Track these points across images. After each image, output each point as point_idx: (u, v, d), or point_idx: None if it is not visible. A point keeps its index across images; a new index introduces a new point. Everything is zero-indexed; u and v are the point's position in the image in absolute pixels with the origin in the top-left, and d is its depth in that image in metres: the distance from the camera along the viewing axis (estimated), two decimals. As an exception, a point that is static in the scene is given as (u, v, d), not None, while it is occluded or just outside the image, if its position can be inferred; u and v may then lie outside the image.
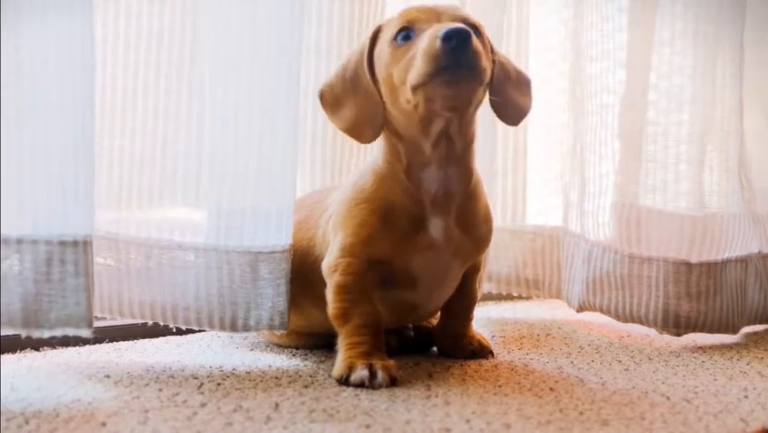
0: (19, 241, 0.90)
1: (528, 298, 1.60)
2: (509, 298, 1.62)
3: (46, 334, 0.91)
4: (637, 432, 0.82)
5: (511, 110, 1.06)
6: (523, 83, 1.09)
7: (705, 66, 1.35)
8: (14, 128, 0.89)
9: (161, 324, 1.08)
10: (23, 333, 0.90)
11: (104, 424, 0.81)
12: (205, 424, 0.81)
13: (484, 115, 1.28)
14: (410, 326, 1.19)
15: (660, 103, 1.35)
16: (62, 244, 0.91)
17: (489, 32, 1.06)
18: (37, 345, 1.10)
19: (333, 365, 1.01)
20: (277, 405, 0.88)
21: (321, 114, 1.12)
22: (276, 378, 1.00)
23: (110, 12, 1.06)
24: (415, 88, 0.95)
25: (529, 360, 1.13)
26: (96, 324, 1.00)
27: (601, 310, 1.34)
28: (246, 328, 1.07)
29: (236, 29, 1.05)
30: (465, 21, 0.99)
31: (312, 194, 1.20)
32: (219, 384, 0.96)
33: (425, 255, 1.03)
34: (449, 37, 0.92)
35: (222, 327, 1.06)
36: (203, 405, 0.88)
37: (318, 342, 1.15)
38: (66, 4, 0.91)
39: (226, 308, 1.06)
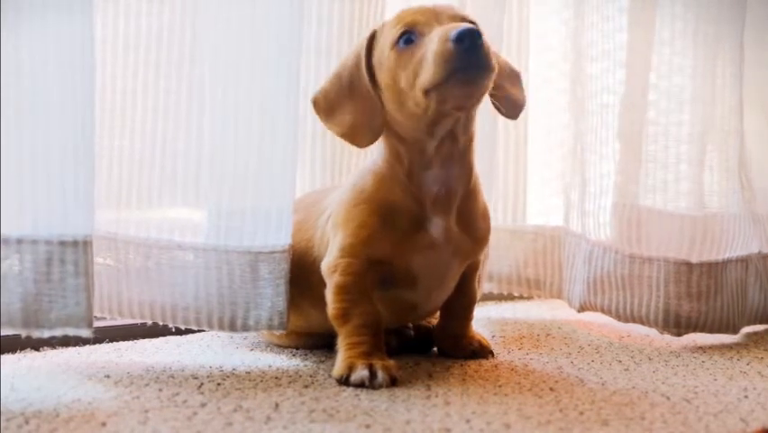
0: (19, 241, 0.90)
1: (529, 298, 1.60)
2: (509, 298, 1.62)
3: (46, 334, 0.91)
4: (637, 432, 0.82)
5: (510, 104, 1.07)
6: (514, 76, 1.09)
7: (705, 66, 1.35)
8: (14, 128, 0.89)
9: (161, 324, 1.08)
10: (23, 333, 0.91)
11: (104, 424, 0.81)
12: (205, 424, 0.81)
13: (484, 116, 1.29)
14: (410, 326, 1.19)
15: (660, 103, 1.35)
16: (62, 244, 0.91)
17: (488, 31, 1.06)
18: (37, 345, 1.10)
19: (333, 365, 1.00)
20: (277, 405, 0.88)
21: (321, 114, 1.11)
22: (276, 378, 1.00)
23: (109, 12, 1.06)
24: (427, 91, 0.95)
25: (529, 360, 1.13)
26: (96, 324, 1.00)
27: (602, 310, 1.34)
28: (245, 328, 1.07)
29: (236, 29, 1.05)
30: (464, 19, 0.99)
31: (308, 195, 1.20)
32: (219, 384, 0.96)
33: (425, 255, 1.03)
34: (461, 38, 0.92)
35: (221, 327, 1.06)
36: (203, 405, 0.88)
37: (317, 342, 1.15)
38: (66, 4, 0.91)
39: (226, 308, 1.06)
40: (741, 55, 1.36)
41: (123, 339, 1.18)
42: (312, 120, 1.26)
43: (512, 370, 1.07)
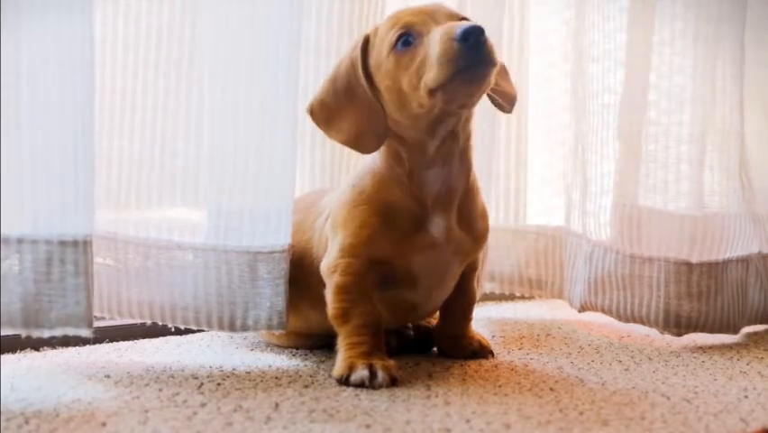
0: (19, 241, 0.90)
1: (531, 298, 1.60)
2: (509, 298, 1.62)
3: (46, 334, 0.91)
4: (637, 432, 0.82)
5: (505, 98, 1.07)
6: (503, 70, 1.09)
7: (705, 66, 1.35)
8: (14, 128, 0.89)
9: (160, 324, 1.08)
10: (23, 333, 0.91)
11: (104, 424, 0.81)
12: (205, 424, 0.81)
13: (484, 116, 1.29)
14: (410, 326, 1.19)
15: (660, 103, 1.35)
16: (62, 243, 0.91)
17: (488, 31, 1.06)
18: (37, 345, 1.10)
19: (333, 365, 1.01)
20: (277, 405, 0.88)
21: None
22: (276, 378, 1.00)
23: (109, 11, 1.06)
24: (433, 91, 0.95)
25: (529, 360, 1.13)
26: (96, 324, 1.00)
27: (603, 310, 1.34)
28: (244, 328, 1.07)
29: (235, 28, 1.05)
30: (459, 17, 0.99)
31: (306, 196, 1.20)
32: (219, 384, 0.96)
33: (425, 255, 1.03)
34: (466, 36, 0.92)
35: (220, 327, 1.06)
36: (203, 405, 0.88)
37: (317, 342, 1.15)
38: (66, 4, 0.91)
39: (225, 308, 1.06)
40: (741, 55, 1.36)
41: (123, 339, 1.18)
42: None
43: (512, 370, 1.07)
